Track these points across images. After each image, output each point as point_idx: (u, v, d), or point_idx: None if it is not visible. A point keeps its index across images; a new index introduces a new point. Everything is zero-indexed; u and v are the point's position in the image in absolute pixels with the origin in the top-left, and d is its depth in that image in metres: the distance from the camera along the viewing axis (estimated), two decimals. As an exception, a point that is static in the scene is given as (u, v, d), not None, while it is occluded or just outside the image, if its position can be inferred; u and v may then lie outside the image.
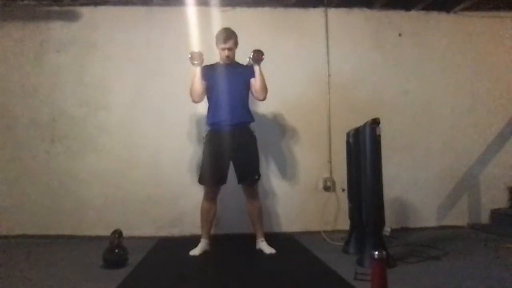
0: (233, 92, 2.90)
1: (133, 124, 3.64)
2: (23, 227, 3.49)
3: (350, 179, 3.08)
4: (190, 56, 2.84)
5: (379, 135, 2.55)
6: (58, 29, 3.63)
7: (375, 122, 2.55)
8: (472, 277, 2.24)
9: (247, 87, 2.97)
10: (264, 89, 2.94)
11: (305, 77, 3.76)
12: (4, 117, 3.58)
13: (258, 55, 2.86)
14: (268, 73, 3.74)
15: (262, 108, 3.63)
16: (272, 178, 3.68)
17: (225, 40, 2.87)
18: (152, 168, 3.61)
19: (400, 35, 3.86)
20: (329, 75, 3.76)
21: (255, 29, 3.74)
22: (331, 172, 3.72)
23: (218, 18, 3.57)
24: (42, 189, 3.55)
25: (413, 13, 3.88)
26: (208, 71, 2.93)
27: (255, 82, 2.93)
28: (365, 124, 2.63)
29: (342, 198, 3.61)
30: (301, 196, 3.70)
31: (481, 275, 2.27)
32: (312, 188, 3.71)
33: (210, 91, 2.95)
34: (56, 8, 3.62)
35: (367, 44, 3.83)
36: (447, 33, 3.90)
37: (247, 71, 2.94)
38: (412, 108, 3.84)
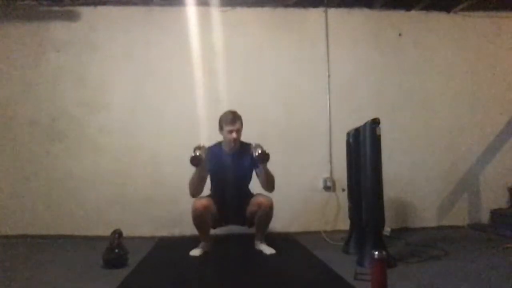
0: (236, 184, 2.88)
1: (133, 124, 3.64)
2: (23, 227, 3.49)
3: (350, 179, 3.08)
4: (190, 160, 2.62)
5: (379, 135, 2.55)
6: (58, 29, 3.63)
7: (375, 122, 2.54)
8: (472, 277, 2.24)
9: (251, 174, 2.91)
10: (271, 185, 2.81)
11: (305, 77, 3.76)
12: (4, 117, 3.58)
13: (262, 157, 2.64)
14: (268, 73, 3.76)
15: (262, 108, 3.64)
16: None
17: (233, 122, 2.78)
18: (152, 168, 3.61)
19: (400, 35, 3.86)
20: (329, 75, 3.76)
21: (255, 29, 3.75)
22: (331, 172, 3.72)
23: (218, 18, 3.58)
24: (42, 189, 3.55)
25: (413, 13, 3.88)
26: (213, 159, 2.82)
27: (261, 180, 2.82)
28: (365, 124, 2.63)
29: (342, 198, 3.61)
30: (301, 196, 3.69)
31: (481, 275, 2.27)
32: (312, 188, 3.71)
33: (213, 179, 2.91)
34: (56, 8, 3.62)
35: (367, 44, 3.83)
36: (447, 33, 3.90)
37: (252, 162, 2.80)
38: (412, 108, 3.84)
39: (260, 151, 2.63)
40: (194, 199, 2.79)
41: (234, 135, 2.79)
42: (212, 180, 2.93)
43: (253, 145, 2.73)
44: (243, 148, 2.86)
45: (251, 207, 2.85)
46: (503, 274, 2.28)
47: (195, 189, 2.78)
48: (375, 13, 3.85)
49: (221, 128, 2.84)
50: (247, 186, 2.97)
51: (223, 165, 2.86)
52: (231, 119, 2.79)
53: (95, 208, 3.55)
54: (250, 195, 2.93)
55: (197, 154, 2.63)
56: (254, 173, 2.91)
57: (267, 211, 2.78)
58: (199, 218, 2.77)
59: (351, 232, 2.97)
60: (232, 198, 2.88)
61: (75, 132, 3.60)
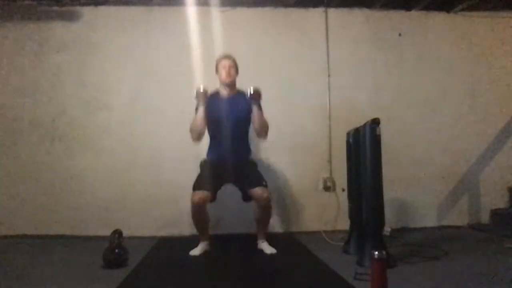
0: (234, 131, 2.87)
1: (133, 124, 3.64)
2: (23, 227, 3.49)
3: (350, 179, 3.07)
4: (195, 94, 2.77)
5: (379, 135, 2.54)
6: (58, 29, 3.63)
7: (375, 122, 2.54)
8: (472, 277, 2.24)
9: (248, 121, 2.92)
10: (264, 130, 2.87)
11: (305, 77, 3.76)
12: (4, 117, 3.58)
13: (255, 95, 2.77)
14: (268, 74, 3.76)
15: (261, 108, 3.63)
16: (272, 178, 3.68)
17: (225, 57, 2.89)
18: (152, 168, 3.61)
19: (400, 35, 3.86)
20: (329, 75, 3.76)
21: (255, 29, 3.75)
22: (331, 172, 3.72)
23: (218, 18, 3.57)
24: (42, 189, 3.55)
25: (413, 13, 3.88)
26: (209, 104, 2.85)
27: (254, 122, 2.86)
28: (365, 124, 2.63)
29: (342, 198, 3.61)
30: (301, 196, 3.69)
31: (481, 275, 2.27)
32: (312, 188, 3.71)
33: (210, 125, 2.91)
34: (56, 8, 3.62)
35: (367, 44, 3.83)
36: (447, 33, 3.90)
37: (249, 105, 2.85)
38: (412, 108, 3.84)
39: (253, 89, 2.74)
40: (192, 193, 2.77)
41: (227, 68, 2.85)
42: (210, 125, 2.92)
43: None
44: (240, 94, 2.92)
45: (250, 192, 2.83)
46: (503, 274, 2.28)
47: (198, 131, 2.83)
48: (375, 13, 3.84)
49: (216, 69, 2.91)
50: (246, 135, 2.96)
51: (220, 108, 2.87)
52: (225, 55, 2.91)
53: (95, 208, 3.54)
54: (251, 160, 2.95)
55: (202, 88, 2.75)
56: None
57: (266, 206, 2.80)
58: (198, 212, 2.77)
59: (351, 232, 2.97)
60: (231, 144, 2.87)
61: (75, 132, 3.60)
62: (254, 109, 2.83)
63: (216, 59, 2.93)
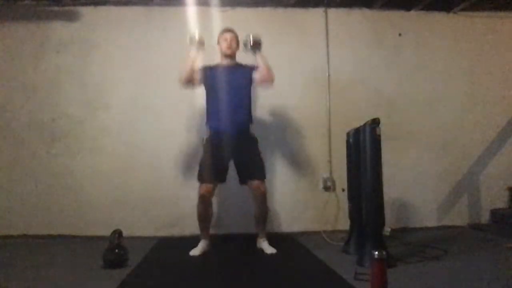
0: (235, 99, 2.87)
1: (133, 124, 3.64)
2: (23, 227, 3.49)
3: (350, 179, 3.08)
4: (189, 39, 2.81)
5: (379, 135, 2.55)
6: (58, 29, 3.63)
7: (375, 122, 2.54)
8: (472, 277, 2.24)
9: (250, 87, 2.95)
10: (270, 74, 2.88)
11: (305, 77, 3.76)
12: (4, 117, 3.58)
13: (256, 44, 2.83)
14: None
15: (262, 108, 3.64)
16: (272, 178, 3.68)
17: (227, 30, 2.95)
18: (152, 168, 3.61)
19: (400, 35, 3.86)
20: (329, 75, 3.76)
21: (255, 29, 3.71)
22: (331, 172, 3.72)
23: (218, 18, 3.57)
24: (42, 189, 3.55)
25: (413, 13, 3.88)
26: (209, 74, 2.90)
27: (259, 73, 2.89)
28: (365, 124, 2.63)
29: (342, 198, 3.61)
30: (301, 196, 3.69)
31: (481, 275, 2.27)
32: (312, 188, 3.71)
33: (209, 94, 2.93)
34: (56, 8, 3.62)
35: (367, 44, 3.83)
36: (447, 33, 3.90)
37: (248, 70, 2.91)
38: (412, 108, 3.84)
39: (252, 38, 2.81)
40: (198, 203, 2.85)
41: (228, 40, 2.90)
42: (209, 93, 2.93)
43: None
44: (240, 65, 2.96)
45: (248, 182, 2.89)
46: (503, 274, 2.29)
47: (188, 72, 2.85)
48: (375, 13, 3.84)
49: (218, 42, 2.96)
50: (247, 103, 2.96)
51: (220, 77, 2.89)
52: (226, 28, 2.96)
53: (95, 208, 3.54)
54: (252, 135, 2.97)
55: (197, 35, 2.81)
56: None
57: (262, 200, 2.89)
58: (203, 203, 2.85)
59: (351, 232, 2.97)
60: (231, 112, 2.86)
61: (75, 132, 3.60)
62: (258, 57, 2.87)
63: (219, 33, 2.98)
